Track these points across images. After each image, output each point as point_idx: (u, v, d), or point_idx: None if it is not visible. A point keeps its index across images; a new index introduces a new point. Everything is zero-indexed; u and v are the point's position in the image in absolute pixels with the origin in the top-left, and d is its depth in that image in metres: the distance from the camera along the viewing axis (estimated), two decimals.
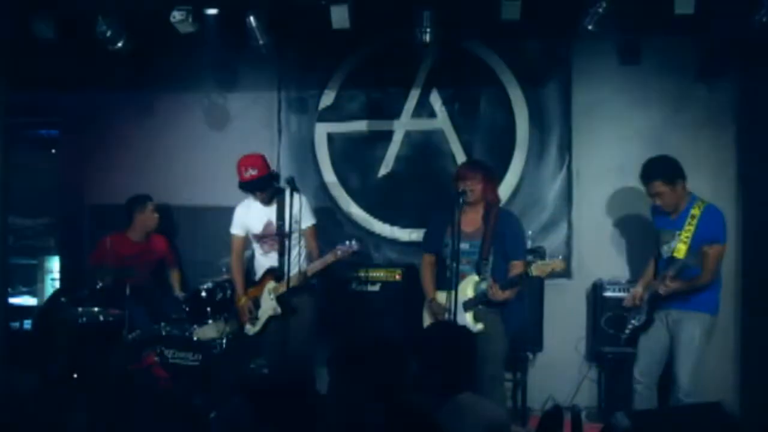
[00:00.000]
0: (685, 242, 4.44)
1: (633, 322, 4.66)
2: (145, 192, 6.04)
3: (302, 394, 2.37)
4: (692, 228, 4.44)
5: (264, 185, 4.97)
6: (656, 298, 4.53)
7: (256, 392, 2.35)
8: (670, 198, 4.51)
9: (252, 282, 5.21)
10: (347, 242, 4.74)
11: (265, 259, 5.14)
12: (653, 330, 4.59)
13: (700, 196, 4.59)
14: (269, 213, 5.10)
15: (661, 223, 4.65)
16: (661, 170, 4.52)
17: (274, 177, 5.12)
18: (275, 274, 5.04)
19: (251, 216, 5.14)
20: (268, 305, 5.02)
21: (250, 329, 5.11)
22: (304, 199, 4.97)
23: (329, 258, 4.78)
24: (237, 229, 5.21)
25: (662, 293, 4.42)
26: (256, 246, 5.20)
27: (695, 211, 4.47)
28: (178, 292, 5.94)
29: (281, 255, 5.00)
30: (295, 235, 4.90)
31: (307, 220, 5.02)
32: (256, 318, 5.08)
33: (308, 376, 4.89)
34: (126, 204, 5.97)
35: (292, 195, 4.76)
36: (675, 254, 4.46)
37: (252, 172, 4.89)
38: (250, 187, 4.96)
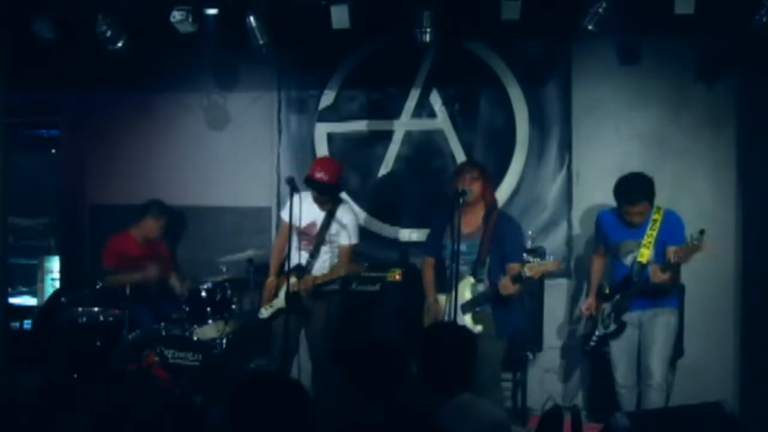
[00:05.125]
0: (647, 246, 4.54)
1: (601, 329, 4.71)
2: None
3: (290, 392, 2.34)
4: (654, 232, 4.55)
5: (326, 191, 5.04)
6: (624, 305, 4.60)
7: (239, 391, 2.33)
8: (646, 215, 4.61)
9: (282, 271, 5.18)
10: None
11: (296, 254, 5.06)
12: (626, 335, 4.65)
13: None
14: (318, 215, 5.10)
15: (621, 234, 4.69)
16: (649, 191, 4.59)
17: (341, 188, 5.24)
18: (298, 272, 5.02)
19: (302, 209, 4.98)
20: (282, 297, 5.03)
21: (263, 312, 5.15)
22: (353, 216, 5.14)
23: (335, 273, 4.92)
24: (285, 213, 5.10)
25: (657, 281, 4.41)
26: (294, 237, 5.09)
27: (656, 216, 4.58)
28: (182, 290, 5.73)
29: (311, 257, 5.08)
30: (333, 245, 5.06)
31: (349, 237, 5.07)
32: (272, 305, 5.12)
33: (329, 380, 4.83)
34: (146, 203, 5.90)
35: (291, 195, 4.76)
36: (639, 259, 4.55)
37: (322, 176, 4.97)
38: (314, 186, 5.02)
